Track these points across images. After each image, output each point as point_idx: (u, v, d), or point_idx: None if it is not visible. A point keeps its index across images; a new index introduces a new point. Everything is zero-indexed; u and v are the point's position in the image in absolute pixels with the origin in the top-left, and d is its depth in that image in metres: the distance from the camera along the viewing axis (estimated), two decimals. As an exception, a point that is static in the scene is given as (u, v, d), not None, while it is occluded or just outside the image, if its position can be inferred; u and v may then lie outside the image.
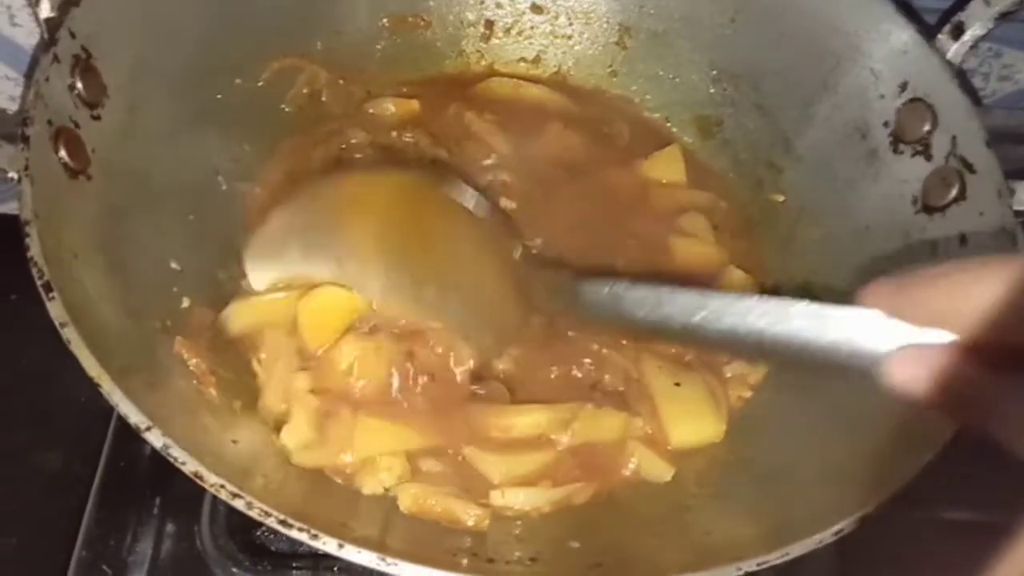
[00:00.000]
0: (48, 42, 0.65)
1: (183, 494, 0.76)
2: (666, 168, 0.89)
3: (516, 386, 0.73)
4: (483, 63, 0.97)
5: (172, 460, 0.52)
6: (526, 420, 0.71)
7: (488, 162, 0.85)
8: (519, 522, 0.66)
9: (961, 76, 0.74)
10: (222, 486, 0.51)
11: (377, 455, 0.68)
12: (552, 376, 0.75)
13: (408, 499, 0.65)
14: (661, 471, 0.71)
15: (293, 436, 0.67)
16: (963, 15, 0.74)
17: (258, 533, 0.73)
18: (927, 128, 0.74)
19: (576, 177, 0.86)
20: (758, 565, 0.52)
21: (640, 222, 0.84)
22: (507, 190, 0.84)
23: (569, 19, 0.96)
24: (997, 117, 1.05)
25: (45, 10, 0.67)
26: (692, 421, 0.73)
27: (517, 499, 0.67)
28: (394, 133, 0.88)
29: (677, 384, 0.73)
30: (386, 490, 0.67)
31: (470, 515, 0.65)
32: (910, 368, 0.38)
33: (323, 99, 0.91)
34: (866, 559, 0.76)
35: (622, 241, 0.82)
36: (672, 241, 0.83)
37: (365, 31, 0.93)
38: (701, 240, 0.84)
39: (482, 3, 0.96)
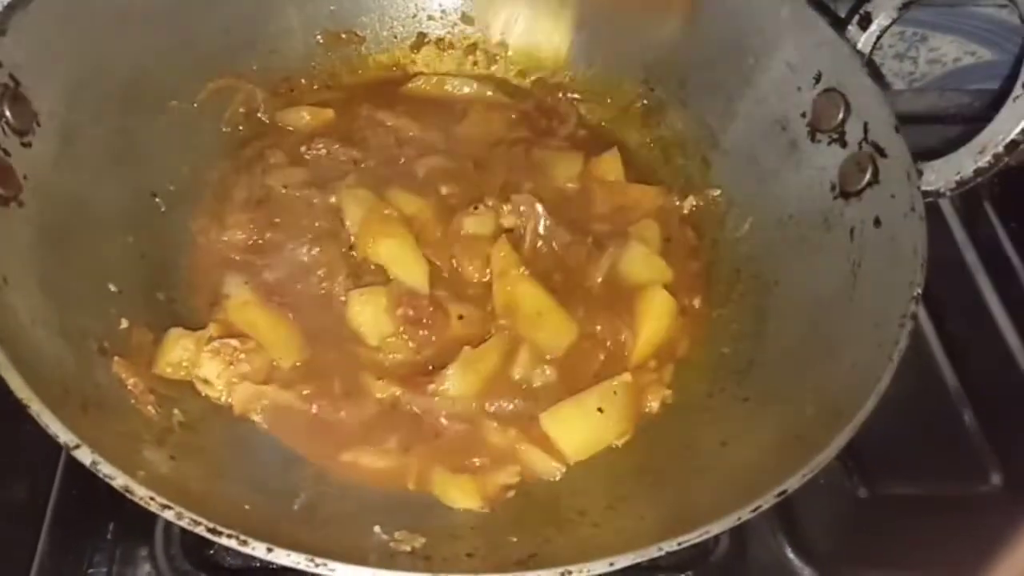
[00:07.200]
0: (-26, 72, 0.66)
1: (137, 517, 0.75)
2: (608, 170, 0.90)
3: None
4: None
5: (103, 476, 0.53)
6: None
7: (407, 148, 0.87)
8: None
9: (871, 64, 0.77)
10: (152, 498, 0.52)
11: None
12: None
13: None
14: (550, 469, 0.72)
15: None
16: (870, 6, 0.77)
17: (211, 552, 0.73)
18: (841, 116, 0.77)
19: (508, 149, 0.89)
20: (679, 544, 0.53)
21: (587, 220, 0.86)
22: (444, 176, 0.85)
23: (501, 27, 0.98)
24: (928, 98, 1.08)
25: (-30, 41, 0.67)
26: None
27: None
28: (303, 147, 0.88)
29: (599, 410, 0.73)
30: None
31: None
32: None
33: (260, 117, 0.92)
34: (814, 537, 0.77)
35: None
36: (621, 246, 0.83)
37: (300, 49, 0.94)
38: (648, 252, 0.83)
39: (414, 16, 0.98)
